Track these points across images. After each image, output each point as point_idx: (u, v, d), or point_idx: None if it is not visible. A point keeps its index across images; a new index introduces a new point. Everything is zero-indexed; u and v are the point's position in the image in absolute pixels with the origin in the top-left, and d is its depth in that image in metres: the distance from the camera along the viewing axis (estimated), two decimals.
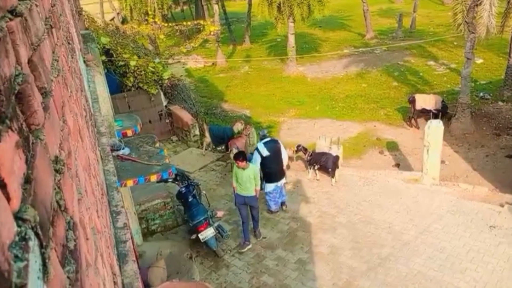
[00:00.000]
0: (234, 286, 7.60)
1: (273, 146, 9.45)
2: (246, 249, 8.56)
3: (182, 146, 14.21)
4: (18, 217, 0.63)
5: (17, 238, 0.59)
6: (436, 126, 10.02)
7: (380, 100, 17.19)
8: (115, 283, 1.97)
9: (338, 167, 10.75)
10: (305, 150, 11.40)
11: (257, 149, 9.50)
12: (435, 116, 13.58)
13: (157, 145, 7.52)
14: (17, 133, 0.74)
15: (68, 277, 0.87)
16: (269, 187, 9.49)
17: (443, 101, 14.45)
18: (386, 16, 32.27)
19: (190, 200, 8.77)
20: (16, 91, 0.84)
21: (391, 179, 10.79)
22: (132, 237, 7.25)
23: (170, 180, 9.14)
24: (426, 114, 14.32)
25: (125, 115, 9.63)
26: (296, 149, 11.63)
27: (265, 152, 9.29)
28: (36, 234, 0.68)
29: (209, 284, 6.44)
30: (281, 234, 9.01)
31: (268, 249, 8.54)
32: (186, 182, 9.17)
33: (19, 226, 0.61)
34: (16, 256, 0.56)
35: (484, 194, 9.88)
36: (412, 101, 14.47)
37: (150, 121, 14.09)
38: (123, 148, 6.96)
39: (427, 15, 31.16)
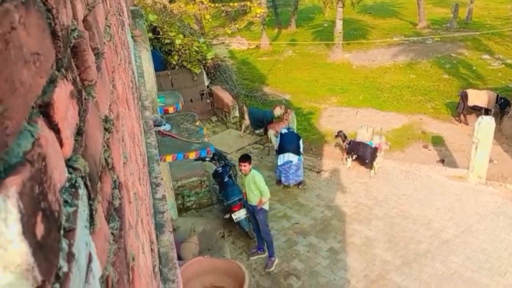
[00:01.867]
0: (264, 268, 7.65)
1: (294, 134, 10.44)
2: (273, 266, 7.60)
3: (221, 127, 14.32)
4: (69, 165, 0.62)
5: (67, 184, 0.58)
6: (487, 123, 9.54)
7: (429, 93, 16.53)
8: (152, 250, 2.00)
9: (375, 159, 10.49)
10: (345, 137, 11.19)
11: (280, 131, 10.48)
12: (487, 113, 12.92)
13: (197, 123, 7.62)
14: (72, 84, 0.74)
15: (112, 233, 0.87)
16: (280, 159, 9.98)
17: (503, 98, 13.63)
18: (441, 6, 30.79)
19: (226, 180, 8.86)
20: (72, 44, 0.84)
21: (434, 175, 10.42)
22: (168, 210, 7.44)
23: (207, 159, 9.27)
24: (477, 111, 13.65)
25: (168, 92, 9.81)
26: (336, 134, 11.45)
27: (284, 130, 10.35)
28: (85, 185, 0.67)
29: (241, 264, 6.53)
30: (314, 221, 8.94)
31: (300, 235, 8.51)
32: (223, 162, 9.27)
33: (69, 173, 0.61)
34: (65, 202, 0.55)
35: None
36: (464, 96, 13.79)
37: (191, 100, 14.27)
38: (164, 124, 7.11)
39: (485, 6, 29.44)
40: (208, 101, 14.80)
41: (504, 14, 23.51)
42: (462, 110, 13.99)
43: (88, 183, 0.70)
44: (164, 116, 7.53)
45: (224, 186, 8.73)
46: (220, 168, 9.01)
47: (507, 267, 7.22)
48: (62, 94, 0.64)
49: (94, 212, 0.74)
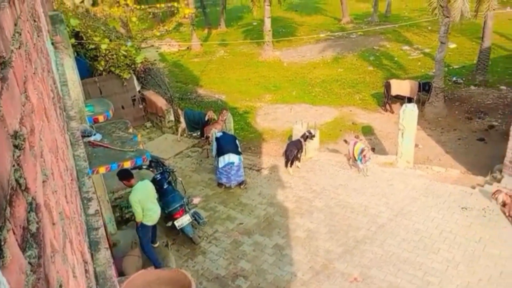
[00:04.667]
0: (211, 272, 7.57)
1: (229, 136, 10.49)
2: None
3: (157, 132, 13.96)
4: None
5: None
6: (410, 110, 10.16)
7: (356, 85, 17.30)
8: (86, 271, 1.86)
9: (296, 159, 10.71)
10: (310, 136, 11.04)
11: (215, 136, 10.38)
12: (410, 101, 13.77)
13: (130, 131, 7.32)
14: None
15: (29, 263, 0.78)
16: (221, 161, 9.90)
17: (426, 83, 14.54)
18: (362, 1, 32.40)
19: (165, 187, 8.63)
20: None
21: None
22: (105, 226, 7.08)
23: (144, 166, 8.98)
24: (401, 99, 14.51)
25: (96, 100, 9.33)
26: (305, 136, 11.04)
27: (219, 134, 10.28)
28: None
29: (186, 271, 6.38)
30: (258, 219, 8.99)
31: (245, 235, 8.52)
32: (161, 168, 9.02)
33: None
34: None
35: (456, 177, 10.12)
36: (388, 86, 14.62)
37: (122, 107, 13.74)
38: (94, 134, 6.73)
39: None
40: (141, 106, 14.34)
41: (420, 6, 25.21)
42: (387, 100, 14.81)
43: None
44: (94, 125, 7.15)
45: (164, 193, 8.49)
46: (158, 175, 8.75)
47: (439, 244, 7.74)
48: None
49: (3, 243, 0.65)
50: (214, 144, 10.25)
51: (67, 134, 3.59)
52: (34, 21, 3.21)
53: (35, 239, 0.87)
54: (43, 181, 1.29)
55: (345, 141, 11.02)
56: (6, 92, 0.97)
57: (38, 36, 3.21)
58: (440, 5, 13.15)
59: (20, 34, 1.73)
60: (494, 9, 14.43)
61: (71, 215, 1.97)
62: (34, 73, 1.95)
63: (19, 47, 1.54)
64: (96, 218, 2.92)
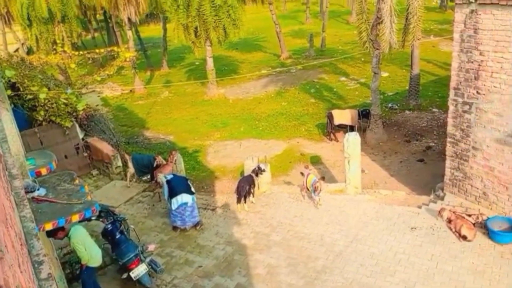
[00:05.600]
0: None
1: (180, 177, 10.56)
2: None
3: (104, 180, 13.48)
4: None
5: None
6: (353, 138, 10.62)
7: (301, 117, 17.87)
8: None
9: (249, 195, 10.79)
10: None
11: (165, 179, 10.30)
12: (352, 129, 14.42)
13: (76, 182, 7.04)
14: None
15: None
16: (174, 203, 9.75)
17: (364, 110, 15.37)
18: (298, 37, 33.97)
19: (117, 237, 8.31)
20: None
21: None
22: (56, 285, 6.65)
23: (93, 218, 8.60)
24: (344, 128, 15.15)
25: (37, 152, 8.90)
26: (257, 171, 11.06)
27: (169, 176, 10.28)
28: None
29: None
30: (217, 260, 8.83)
31: (205, 278, 8.31)
32: (111, 218, 8.68)
33: None
34: None
35: (403, 198, 10.61)
36: (330, 117, 15.24)
37: (66, 156, 13.21)
38: (38, 189, 6.40)
39: (335, 34, 33.36)
40: (86, 154, 13.85)
41: (352, 39, 26.81)
42: (331, 129, 15.42)
43: None
44: (37, 179, 6.81)
45: (116, 243, 8.16)
46: (109, 225, 8.41)
47: (395, 266, 7.98)
48: None
49: None
50: (165, 187, 10.08)
51: (11, 196, 3.41)
52: None
53: None
54: (0, 258, 1.24)
55: (301, 173, 11.26)
56: None
57: None
58: (370, 39, 14.11)
59: None
60: (419, 39, 15.71)
61: (26, 285, 1.87)
62: None
63: None
64: (50, 283, 2.77)
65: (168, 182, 10.03)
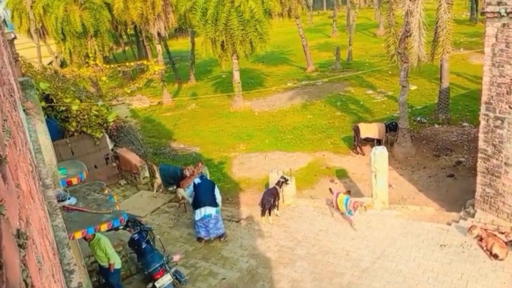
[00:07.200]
0: None
1: (208, 183, 10.46)
2: None
3: (132, 190, 13.74)
4: None
5: None
6: (381, 152, 10.48)
7: (326, 130, 17.77)
8: None
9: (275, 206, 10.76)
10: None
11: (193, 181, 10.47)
12: (379, 143, 14.21)
13: (106, 191, 7.21)
14: None
15: None
16: (197, 214, 9.92)
17: (391, 123, 15.15)
18: (325, 50, 33.93)
19: (143, 246, 8.43)
20: None
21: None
22: None
23: (121, 227, 8.76)
24: (371, 141, 14.96)
25: (68, 162, 9.20)
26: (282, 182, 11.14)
27: (197, 180, 10.32)
28: None
29: None
30: (240, 273, 8.82)
31: None
32: (138, 228, 8.83)
33: None
34: None
35: (431, 214, 10.35)
36: (356, 130, 15.09)
37: (96, 166, 13.56)
38: (68, 198, 6.60)
39: (362, 47, 33.16)
40: (114, 164, 14.18)
41: (380, 52, 26.59)
42: (357, 143, 15.24)
43: None
44: (68, 188, 7.02)
45: (142, 253, 8.28)
46: (136, 235, 8.55)
47: (423, 284, 7.77)
48: None
49: None
50: (192, 191, 10.22)
51: (45, 205, 3.53)
52: (11, 95, 3.26)
53: None
54: (39, 269, 1.30)
55: (330, 189, 11.15)
56: (7, 194, 1.01)
57: (15, 110, 3.25)
58: (398, 52, 13.97)
59: (6, 121, 1.78)
60: (448, 52, 15.44)
61: None
62: (19, 155, 1.98)
63: (9, 136, 1.58)
64: None
65: (195, 186, 10.14)
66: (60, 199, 6.36)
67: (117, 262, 7.74)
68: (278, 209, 10.88)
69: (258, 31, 20.42)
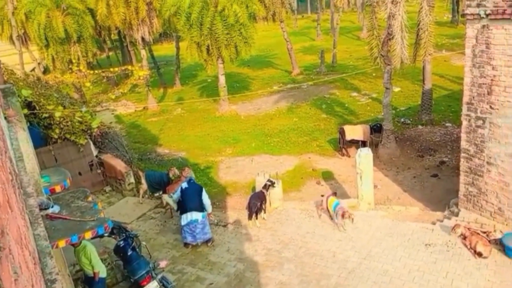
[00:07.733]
0: None
1: (195, 187, 10.28)
2: None
3: (117, 196, 13.60)
4: None
5: None
6: (365, 154, 10.58)
7: (312, 133, 17.87)
8: None
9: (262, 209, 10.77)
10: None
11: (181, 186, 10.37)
12: (364, 144, 14.35)
13: (90, 199, 7.13)
14: None
15: None
16: (183, 219, 9.86)
17: (376, 125, 15.32)
18: (309, 53, 34.18)
19: (129, 253, 8.35)
20: None
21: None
22: None
23: (106, 234, 8.66)
24: (356, 143, 15.09)
25: (52, 169, 9.07)
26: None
27: (184, 185, 10.17)
28: None
29: None
30: (228, 277, 8.79)
31: None
32: (123, 234, 8.74)
33: None
34: None
35: (416, 214, 10.47)
36: (342, 132, 15.22)
37: (80, 173, 13.39)
38: (52, 206, 6.50)
39: (346, 50, 33.49)
40: (99, 171, 14.02)
41: (363, 54, 26.87)
42: (342, 145, 15.37)
43: None
44: (51, 196, 6.92)
45: (128, 260, 8.19)
46: (121, 242, 8.46)
47: (409, 284, 7.84)
48: None
49: None
50: (179, 195, 10.15)
51: (26, 214, 3.48)
52: None
53: None
54: (15, 280, 1.28)
55: (322, 196, 11.21)
56: None
57: None
58: (381, 55, 14.15)
59: None
60: (430, 54, 15.68)
61: None
62: None
63: None
64: None
65: (182, 191, 10.07)
66: (43, 207, 6.26)
67: (102, 271, 7.62)
68: (265, 213, 10.89)
69: (243, 35, 20.48)
